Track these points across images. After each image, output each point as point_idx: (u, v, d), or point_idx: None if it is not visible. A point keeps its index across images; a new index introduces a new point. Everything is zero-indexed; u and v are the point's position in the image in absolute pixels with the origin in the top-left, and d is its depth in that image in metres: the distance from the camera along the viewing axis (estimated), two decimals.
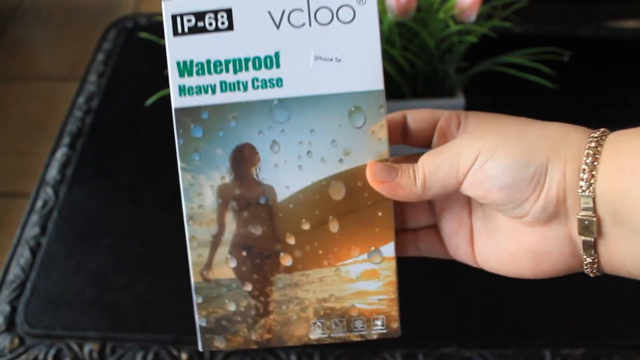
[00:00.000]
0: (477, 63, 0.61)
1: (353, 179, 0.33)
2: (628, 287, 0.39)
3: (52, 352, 0.53)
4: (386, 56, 0.59)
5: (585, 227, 0.28)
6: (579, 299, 0.56)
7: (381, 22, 0.58)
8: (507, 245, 0.32)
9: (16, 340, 0.54)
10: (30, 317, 0.56)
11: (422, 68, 0.61)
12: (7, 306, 0.57)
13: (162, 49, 0.33)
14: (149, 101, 0.54)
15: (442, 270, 0.47)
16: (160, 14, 0.33)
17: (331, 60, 0.32)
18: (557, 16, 1.00)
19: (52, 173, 0.68)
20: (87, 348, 0.54)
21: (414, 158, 0.35)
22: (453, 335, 0.54)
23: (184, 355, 0.53)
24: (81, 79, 0.81)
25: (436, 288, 0.56)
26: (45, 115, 1.41)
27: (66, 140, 0.72)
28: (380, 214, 0.33)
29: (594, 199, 0.28)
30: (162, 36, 0.33)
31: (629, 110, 0.75)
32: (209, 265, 0.34)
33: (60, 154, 0.71)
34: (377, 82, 0.32)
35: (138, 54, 0.84)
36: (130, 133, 0.73)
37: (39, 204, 0.65)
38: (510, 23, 0.60)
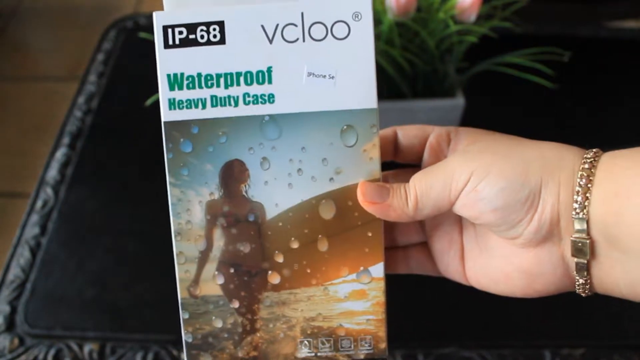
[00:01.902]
0: (477, 63, 0.61)
1: (343, 198, 0.32)
2: None
3: (52, 352, 0.53)
4: (386, 56, 0.59)
5: (578, 249, 0.28)
6: (579, 299, 0.56)
7: (381, 22, 0.58)
8: (499, 265, 0.32)
9: (16, 340, 0.54)
10: (30, 317, 0.56)
11: (422, 68, 0.61)
12: (7, 306, 0.57)
13: None
14: (149, 101, 0.54)
15: None
16: None
17: (324, 77, 0.32)
18: (557, 16, 1.00)
19: (52, 173, 0.68)
20: (87, 348, 0.54)
21: (404, 174, 0.35)
22: (453, 335, 0.54)
23: (184, 356, 0.53)
24: (81, 79, 0.81)
25: (436, 288, 0.56)
26: (45, 115, 1.41)
27: (66, 140, 0.72)
28: (370, 234, 0.33)
29: (587, 222, 0.28)
30: None
31: (629, 110, 0.75)
32: (196, 281, 0.33)
33: (60, 154, 0.71)
34: (370, 100, 0.32)
35: (138, 54, 0.84)
36: (130, 133, 0.73)
37: (39, 204, 0.65)
38: (510, 23, 0.60)
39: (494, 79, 0.63)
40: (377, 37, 0.58)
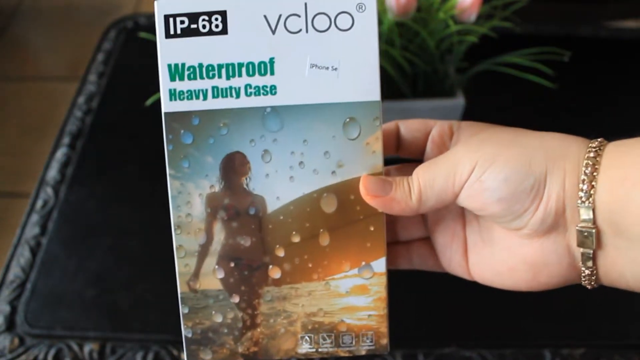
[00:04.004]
0: (477, 63, 0.61)
1: (345, 192, 0.32)
2: None
3: (52, 352, 0.53)
4: (386, 56, 0.59)
5: (584, 239, 0.28)
6: (579, 299, 0.56)
7: (381, 22, 0.58)
8: (504, 257, 0.31)
9: (16, 340, 0.54)
10: (30, 317, 0.56)
11: (422, 68, 0.61)
12: (7, 306, 0.57)
13: None
14: (149, 101, 0.54)
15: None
16: None
17: (327, 68, 0.31)
18: (557, 16, 1.00)
19: (52, 173, 0.68)
20: (87, 348, 0.54)
21: (407, 168, 0.34)
22: (453, 335, 0.54)
23: (184, 355, 0.53)
24: (81, 79, 0.81)
25: (436, 288, 0.56)
26: (45, 115, 1.41)
27: (66, 140, 0.72)
28: (372, 228, 0.32)
29: (593, 210, 0.27)
30: None
31: (629, 110, 0.75)
32: (196, 275, 0.33)
33: (60, 154, 0.71)
34: (373, 92, 0.31)
35: (138, 54, 0.84)
36: (130, 133, 0.73)
37: (39, 204, 0.65)
38: (510, 23, 0.60)
39: (494, 79, 0.63)
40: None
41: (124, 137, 0.73)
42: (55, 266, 0.60)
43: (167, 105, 0.32)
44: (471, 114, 0.63)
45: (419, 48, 0.59)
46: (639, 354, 0.52)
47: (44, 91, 1.52)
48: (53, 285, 0.58)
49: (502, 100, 0.73)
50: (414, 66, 0.60)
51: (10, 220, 1.16)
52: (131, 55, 0.84)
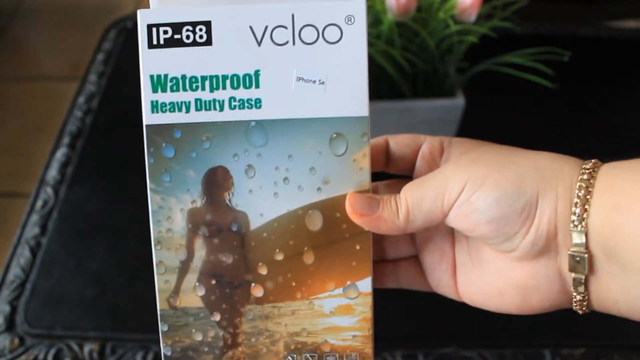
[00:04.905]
0: (477, 63, 0.61)
1: (331, 209, 0.31)
2: None
3: (52, 352, 0.53)
4: (386, 56, 0.59)
5: (576, 264, 0.27)
6: None
7: (381, 22, 0.58)
8: (493, 279, 0.30)
9: (16, 340, 0.54)
10: (30, 317, 0.56)
11: (422, 68, 0.61)
12: (7, 306, 0.57)
13: None
14: None
15: None
16: None
17: (314, 82, 0.30)
18: (557, 16, 1.00)
19: (52, 173, 0.68)
20: (87, 348, 0.54)
21: (396, 185, 0.34)
22: (453, 335, 0.54)
23: None
24: (81, 79, 0.81)
25: None
26: (45, 115, 1.41)
27: (66, 140, 0.72)
28: (358, 247, 0.31)
29: (586, 234, 0.27)
30: None
31: (629, 110, 0.75)
32: (176, 292, 0.32)
33: (60, 154, 0.71)
34: (362, 108, 0.30)
35: (138, 54, 0.84)
36: (130, 133, 0.73)
37: (39, 204, 0.65)
38: (510, 23, 0.60)
39: (494, 79, 0.63)
40: (377, 37, 0.58)
41: (124, 137, 0.73)
42: (55, 266, 0.60)
43: (149, 118, 0.31)
44: (471, 114, 0.63)
45: (419, 48, 0.59)
46: (639, 354, 0.52)
47: (44, 91, 1.52)
48: (53, 285, 0.58)
49: (502, 100, 0.73)
50: (414, 66, 0.60)
51: (10, 220, 1.16)
52: (131, 55, 0.84)
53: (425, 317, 0.55)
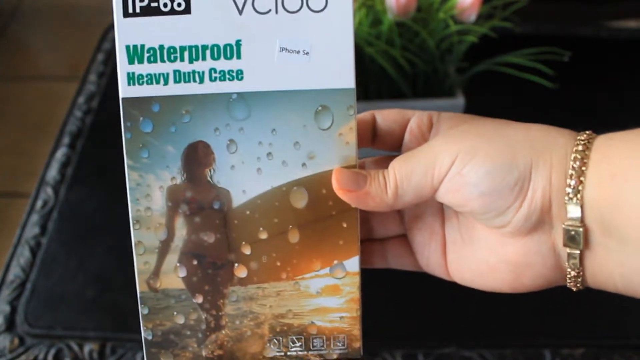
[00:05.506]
0: (477, 63, 0.61)
1: (317, 185, 0.30)
2: None
3: (52, 352, 0.53)
4: (386, 56, 0.59)
5: (571, 238, 0.26)
6: (579, 298, 0.56)
7: (381, 22, 0.58)
8: (485, 257, 0.29)
9: (16, 340, 0.54)
10: (30, 317, 0.56)
11: (422, 68, 0.61)
12: (7, 306, 0.57)
13: None
14: None
15: None
16: None
17: (298, 52, 0.29)
18: (557, 16, 1.00)
19: (52, 173, 0.68)
20: (87, 348, 0.54)
21: (384, 161, 0.32)
22: (453, 335, 0.54)
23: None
24: (81, 79, 0.81)
25: (437, 287, 0.56)
26: (45, 115, 1.41)
27: (66, 140, 0.72)
28: (345, 224, 0.30)
29: (582, 207, 0.26)
30: None
31: (630, 110, 0.75)
32: (156, 273, 0.31)
33: (60, 154, 0.71)
34: (347, 79, 0.29)
35: None
36: None
37: (39, 204, 0.65)
38: (510, 23, 0.60)
39: (494, 79, 0.63)
40: (377, 37, 0.58)
41: None
42: (55, 266, 0.60)
43: (125, 90, 0.29)
44: (471, 114, 0.63)
45: (419, 48, 0.59)
46: (639, 354, 0.52)
47: (44, 91, 1.52)
48: (53, 285, 0.58)
49: (502, 100, 0.73)
50: (414, 66, 0.60)
51: (10, 220, 1.16)
52: None
53: (426, 317, 0.55)
